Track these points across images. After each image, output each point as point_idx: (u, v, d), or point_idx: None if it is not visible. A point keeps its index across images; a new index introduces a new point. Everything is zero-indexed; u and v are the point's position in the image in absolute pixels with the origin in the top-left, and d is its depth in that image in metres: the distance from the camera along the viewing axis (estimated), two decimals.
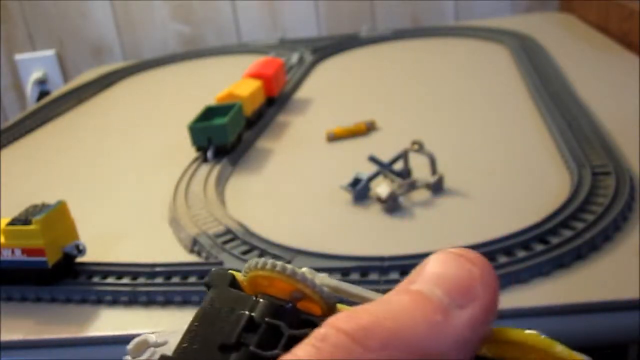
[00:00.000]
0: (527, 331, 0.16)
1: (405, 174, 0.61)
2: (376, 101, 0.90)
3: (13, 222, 0.50)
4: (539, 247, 0.47)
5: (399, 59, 1.11)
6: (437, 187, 0.59)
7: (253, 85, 0.83)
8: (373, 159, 0.61)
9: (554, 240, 0.48)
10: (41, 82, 1.43)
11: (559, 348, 0.16)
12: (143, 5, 1.37)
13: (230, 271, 0.20)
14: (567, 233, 0.48)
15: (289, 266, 0.18)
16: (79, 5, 1.38)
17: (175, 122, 0.84)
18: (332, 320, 0.16)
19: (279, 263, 0.19)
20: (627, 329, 0.42)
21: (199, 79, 1.17)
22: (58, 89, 1.32)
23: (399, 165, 0.61)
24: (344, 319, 0.16)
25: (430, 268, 0.17)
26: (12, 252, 0.50)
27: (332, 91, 0.99)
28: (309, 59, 1.13)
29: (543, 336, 0.16)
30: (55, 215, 0.51)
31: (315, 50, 1.17)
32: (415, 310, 0.16)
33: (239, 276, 0.20)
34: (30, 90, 1.42)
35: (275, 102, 0.90)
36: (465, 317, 0.16)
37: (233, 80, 0.85)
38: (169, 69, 1.26)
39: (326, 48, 1.19)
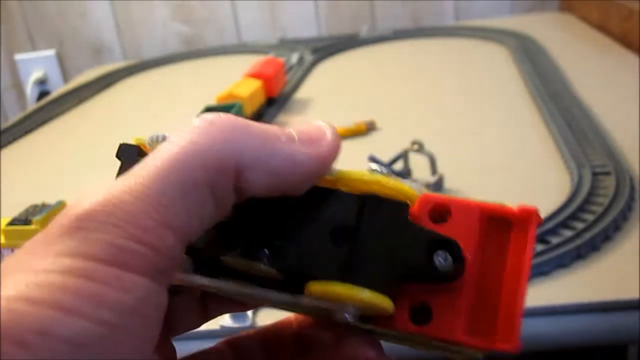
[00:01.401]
0: (361, 170, 0.22)
1: (405, 174, 0.61)
2: (376, 101, 0.90)
3: (13, 222, 0.50)
4: (539, 247, 0.47)
5: (399, 59, 1.11)
6: (437, 187, 0.59)
7: (253, 85, 0.83)
8: (373, 159, 0.61)
9: (554, 240, 0.48)
10: (41, 82, 1.43)
11: (391, 180, 0.21)
12: (143, 5, 1.37)
13: (136, 141, 0.25)
14: (567, 233, 0.48)
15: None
16: (79, 5, 1.38)
17: (176, 122, 0.84)
18: (205, 115, 0.20)
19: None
20: (627, 329, 0.42)
21: (199, 79, 1.17)
22: (58, 89, 1.32)
23: (399, 165, 0.61)
24: (212, 114, 0.20)
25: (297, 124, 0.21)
26: (12, 252, 0.50)
27: (332, 91, 0.99)
28: (309, 59, 1.13)
29: (375, 173, 0.22)
30: (55, 215, 0.51)
31: (315, 50, 1.17)
32: (269, 126, 0.20)
33: (145, 145, 0.24)
34: (30, 90, 1.42)
35: (275, 102, 0.90)
36: (304, 150, 0.20)
37: (233, 80, 0.85)
38: (169, 69, 1.26)
39: (326, 48, 1.19)
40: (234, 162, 0.18)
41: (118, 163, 0.25)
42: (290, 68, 1.09)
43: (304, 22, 1.35)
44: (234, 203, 0.19)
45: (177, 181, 0.17)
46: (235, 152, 0.18)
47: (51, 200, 0.52)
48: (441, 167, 0.60)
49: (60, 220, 0.18)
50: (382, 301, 0.19)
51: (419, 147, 0.60)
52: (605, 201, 0.51)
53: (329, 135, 0.21)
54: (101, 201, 0.18)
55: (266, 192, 0.19)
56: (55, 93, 1.23)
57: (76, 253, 0.16)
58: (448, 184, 0.60)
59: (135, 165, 0.19)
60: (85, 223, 0.17)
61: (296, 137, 0.20)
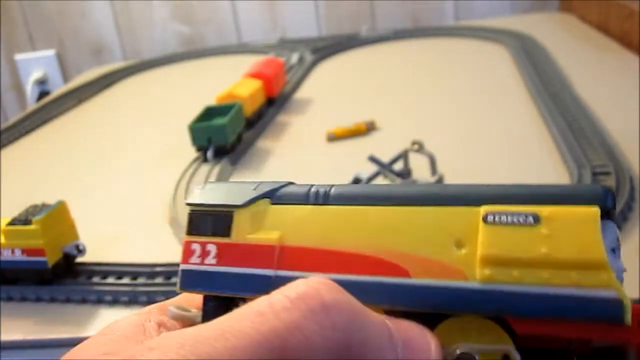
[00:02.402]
0: None
1: (405, 174, 0.61)
2: (376, 101, 0.90)
3: (13, 222, 0.50)
4: None
5: (399, 59, 1.11)
6: None
7: (253, 85, 0.83)
8: (373, 159, 0.61)
9: None
10: (41, 82, 1.43)
11: None
12: (143, 5, 1.37)
13: None
14: None
15: None
16: (79, 5, 1.38)
17: (175, 122, 0.84)
18: (315, 282, 0.18)
19: None
20: None
21: (199, 79, 1.17)
22: (58, 89, 1.32)
23: (399, 165, 0.61)
24: (326, 286, 0.18)
25: (403, 322, 0.20)
26: (12, 252, 0.50)
27: (332, 91, 0.99)
28: (309, 59, 1.13)
29: None
30: (55, 215, 0.51)
31: (315, 50, 1.17)
32: (381, 327, 0.18)
33: None
34: (30, 90, 1.42)
35: (275, 102, 0.90)
36: None
37: (233, 80, 0.85)
38: (169, 69, 1.26)
39: (326, 48, 1.19)
40: None
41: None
42: (290, 68, 1.09)
43: (304, 22, 1.35)
44: None
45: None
46: (339, 355, 0.17)
47: (51, 200, 0.52)
48: (441, 167, 0.60)
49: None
50: None
51: (419, 147, 0.60)
52: None
53: (432, 349, 0.19)
54: None
55: None
56: (55, 93, 1.23)
57: None
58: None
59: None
60: None
61: (400, 346, 0.19)
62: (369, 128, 0.77)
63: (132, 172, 0.76)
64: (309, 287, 0.18)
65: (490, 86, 0.89)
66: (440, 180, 0.59)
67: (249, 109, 0.80)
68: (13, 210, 0.53)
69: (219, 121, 0.73)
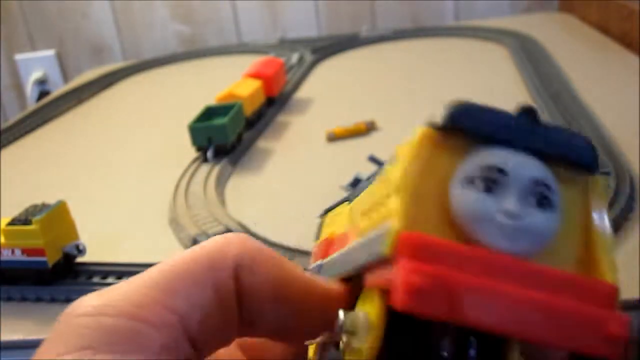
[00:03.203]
0: None
1: None
2: (376, 101, 0.90)
3: (13, 222, 0.50)
4: None
5: (399, 59, 1.11)
6: None
7: (253, 85, 0.83)
8: (373, 159, 0.61)
9: None
10: (41, 82, 1.43)
11: None
12: (143, 5, 1.37)
13: None
14: None
15: None
16: (79, 5, 1.38)
17: (175, 122, 0.84)
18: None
19: None
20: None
21: (199, 79, 1.17)
22: (58, 89, 1.32)
23: None
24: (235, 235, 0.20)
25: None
26: (12, 252, 0.50)
27: (332, 91, 0.99)
28: (309, 59, 1.13)
29: None
30: (55, 215, 0.51)
31: (315, 50, 1.17)
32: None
33: None
34: (30, 90, 1.42)
35: (275, 102, 0.90)
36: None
37: (233, 80, 0.85)
38: (169, 69, 1.26)
39: (326, 48, 1.19)
40: (232, 261, 0.19)
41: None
42: (290, 68, 1.09)
43: (304, 22, 1.35)
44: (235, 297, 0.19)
45: (182, 274, 0.18)
46: (235, 252, 0.19)
47: (51, 200, 0.52)
48: None
49: (63, 318, 0.17)
50: None
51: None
52: None
53: None
54: (102, 292, 0.18)
55: (269, 290, 0.19)
56: (55, 93, 1.23)
57: (74, 348, 0.16)
58: None
59: None
60: (82, 315, 0.17)
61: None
62: (369, 128, 0.77)
63: (132, 172, 0.76)
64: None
65: (490, 86, 0.89)
66: None
67: (249, 109, 0.80)
68: (13, 210, 0.53)
69: (219, 121, 0.73)
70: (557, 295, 0.14)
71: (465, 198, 0.15)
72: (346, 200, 0.23)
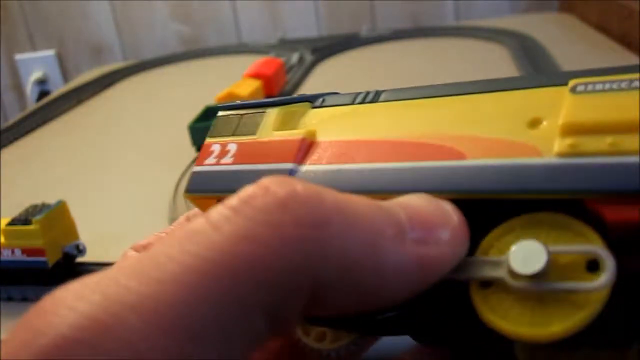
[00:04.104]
0: None
1: None
2: None
3: (13, 222, 0.50)
4: None
5: (399, 59, 1.11)
6: None
7: (253, 85, 0.83)
8: None
9: None
10: (41, 82, 1.43)
11: None
12: (143, 5, 1.37)
13: None
14: None
15: None
16: (79, 5, 1.38)
17: (175, 122, 0.84)
18: (265, 180, 0.14)
19: None
20: None
21: (199, 79, 1.17)
22: (58, 89, 1.32)
23: None
24: (277, 181, 0.14)
25: (404, 197, 0.15)
26: (12, 252, 0.50)
27: (332, 91, 0.99)
28: (309, 59, 1.13)
29: None
30: (55, 215, 0.51)
31: (315, 50, 1.17)
32: (369, 210, 0.14)
33: None
34: (30, 90, 1.42)
35: None
36: (418, 252, 0.14)
37: (233, 80, 0.85)
38: (169, 69, 1.26)
39: (326, 48, 1.19)
40: (312, 280, 0.12)
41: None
42: (290, 68, 1.09)
43: (304, 22, 1.35)
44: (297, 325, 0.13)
45: (212, 299, 0.12)
46: (317, 265, 0.12)
47: (51, 200, 0.52)
48: None
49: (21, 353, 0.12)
50: None
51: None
52: None
53: (454, 220, 0.15)
54: (85, 325, 0.12)
55: (348, 310, 0.13)
56: (55, 93, 1.23)
57: None
58: None
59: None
60: None
61: (407, 228, 0.14)
62: None
63: (132, 172, 0.76)
64: (256, 187, 0.13)
65: None
66: None
67: None
68: (13, 210, 0.53)
69: None
70: None
71: None
72: (304, 101, 0.20)
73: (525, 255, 0.14)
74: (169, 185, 0.67)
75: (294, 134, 0.19)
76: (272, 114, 0.20)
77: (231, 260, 0.12)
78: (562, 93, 0.15)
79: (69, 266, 0.52)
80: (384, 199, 0.15)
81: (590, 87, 0.15)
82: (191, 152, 0.73)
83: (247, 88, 0.82)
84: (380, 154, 0.17)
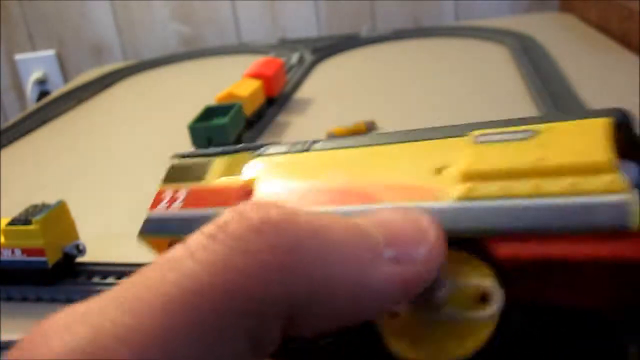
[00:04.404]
0: None
1: None
2: (376, 101, 0.90)
3: (13, 222, 0.50)
4: None
5: (399, 59, 1.11)
6: None
7: (253, 85, 0.83)
8: None
9: None
10: (41, 82, 1.43)
11: None
12: (143, 5, 1.37)
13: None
14: None
15: None
16: (79, 6, 1.38)
17: (175, 122, 0.84)
18: (240, 206, 0.14)
19: None
20: None
21: (199, 79, 1.17)
22: (58, 89, 1.32)
23: None
24: (252, 206, 0.14)
25: (381, 213, 0.15)
26: (12, 252, 0.50)
27: (332, 91, 0.99)
28: (309, 59, 1.13)
29: None
30: (55, 215, 0.51)
31: (315, 50, 1.17)
32: (346, 233, 0.14)
33: None
34: (30, 90, 1.42)
35: (275, 102, 0.90)
36: (393, 271, 0.14)
37: (233, 80, 0.85)
38: (169, 69, 1.26)
39: (326, 48, 1.19)
40: (289, 304, 0.13)
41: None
42: (290, 68, 1.09)
43: (304, 22, 1.35)
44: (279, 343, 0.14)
45: (195, 329, 0.12)
46: (294, 290, 0.13)
47: (51, 200, 0.52)
48: None
49: None
50: None
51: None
52: None
53: (431, 236, 0.15)
54: (76, 358, 0.12)
55: (324, 330, 0.14)
56: (55, 93, 1.23)
57: None
58: None
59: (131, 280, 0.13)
60: None
61: (383, 248, 0.14)
62: (369, 128, 0.77)
63: (132, 172, 0.76)
64: (232, 212, 0.14)
65: (490, 86, 0.89)
66: None
67: (249, 109, 0.80)
68: (13, 210, 0.53)
69: (219, 121, 0.73)
70: None
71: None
72: (248, 150, 0.22)
73: (427, 287, 0.15)
74: None
75: (236, 182, 0.21)
76: (219, 162, 0.22)
77: (211, 291, 0.12)
78: (465, 143, 0.18)
79: (69, 266, 0.52)
80: None
81: (489, 138, 0.17)
82: None
83: (247, 88, 0.82)
84: (310, 201, 0.19)
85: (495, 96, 0.84)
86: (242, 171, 0.21)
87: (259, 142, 0.23)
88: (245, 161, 0.22)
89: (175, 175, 0.23)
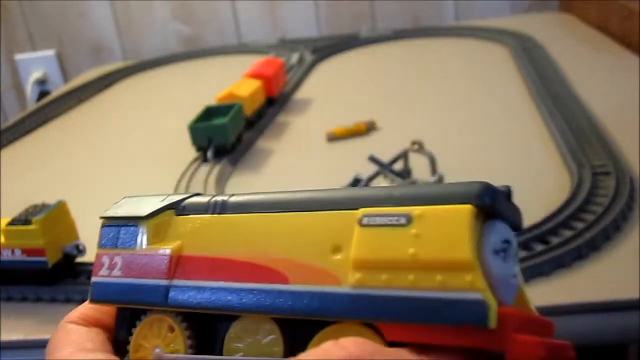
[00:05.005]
0: None
1: (405, 174, 0.61)
2: (376, 101, 0.90)
3: (13, 222, 0.50)
4: (539, 247, 0.47)
5: (399, 59, 1.11)
6: None
7: (253, 85, 0.83)
8: (373, 159, 0.61)
9: (554, 240, 0.47)
10: (41, 82, 1.43)
11: None
12: (143, 5, 1.37)
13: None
14: (567, 233, 0.48)
15: None
16: (79, 5, 1.38)
17: (175, 122, 0.84)
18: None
19: None
20: (627, 329, 0.42)
21: (199, 79, 1.17)
22: (58, 89, 1.32)
23: (399, 165, 0.61)
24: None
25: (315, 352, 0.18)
26: (12, 252, 0.50)
27: (332, 91, 0.99)
28: (309, 59, 1.13)
29: None
30: (55, 215, 0.51)
31: (315, 50, 1.17)
32: None
33: None
34: (30, 90, 1.42)
35: (275, 102, 0.90)
36: None
37: (233, 80, 0.85)
38: (169, 69, 1.26)
39: (326, 48, 1.19)
40: None
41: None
42: (290, 68, 1.09)
43: (304, 22, 1.35)
44: None
45: None
46: None
47: (51, 200, 0.52)
48: (441, 167, 0.60)
49: None
50: None
51: (419, 147, 0.60)
52: (605, 201, 0.51)
53: None
54: None
55: None
56: (55, 93, 1.23)
57: None
58: None
59: None
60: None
61: None
62: (369, 128, 0.77)
63: (132, 172, 0.76)
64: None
65: (490, 86, 0.89)
66: (440, 180, 0.59)
67: (249, 109, 0.80)
68: (13, 210, 0.53)
69: (219, 121, 0.73)
70: None
71: (497, 267, 0.19)
72: (169, 209, 0.24)
73: None
74: (169, 184, 0.67)
75: (163, 251, 0.23)
76: (145, 226, 0.24)
77: None
78: (353, 221, 0.20)
79: (69, 266, 0.52)
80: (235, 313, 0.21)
81: (372, 221, 0.19)
82: (191, 152, 0.73)
83: (247, 88, 0.82)
84: (226, 274, 0.21)
85: (496, 96, 0.84)
86: (167, 235, 0.24)
87: (180, 195, 0.25)
88: (168, 222, 0.24)
89: (108, 239, 0.25)
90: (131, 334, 0.23)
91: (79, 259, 0.53)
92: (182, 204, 0.24)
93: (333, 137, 0.76)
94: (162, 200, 0.24)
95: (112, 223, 0.25)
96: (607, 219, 0.49)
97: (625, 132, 0.65)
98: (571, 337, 0.19)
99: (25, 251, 0.50)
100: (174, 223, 0.24)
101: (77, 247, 0.52)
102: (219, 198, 0.23)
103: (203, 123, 0.73)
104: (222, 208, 0.23)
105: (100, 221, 0.25)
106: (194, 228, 0.23)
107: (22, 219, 0.50)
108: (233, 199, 0.23)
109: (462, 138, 0.72)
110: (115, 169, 0.77)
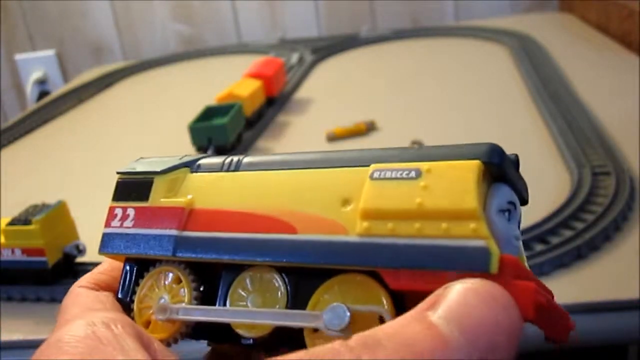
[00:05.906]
0: None
1: None
2: (376, 101, 0.90)
3: (13, 222, 0.50)
4: (539, 247, 0.47)
5: (399, 59, 1.11)
6: None
7: (253, 85, 0.83)
8: None
9: (554, 240, 0.48)
10: (41, 82, 1.43)
11: None
12: (143, 5, 1.37)
13: None
14: (567, 233, 0.48)
15: None
16: (79, 5, 1.38)
17: (175, 122, 0.84)
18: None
19: None
20: (627, 329, 0.42)
21: (199, 79, 1.17)
22: (58, 89, 1.32)
23: None
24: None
25: (457, 300, 0.17)
26: (12, 252, 0.50)
27: (332, 91, 0.99)
28: (309, 59, 1.13)
29: None
30: (55, 215, 0.51)
31: (315, 50, 1.17)
32: (427, 345, 0.15)
33: None
34: (30, 90, 1.42)
35: (275, 102, 0.90)
36: None
37: (233, 80, 0.85)
38: (169, 69, 1.26)
39: (326, 48, 1.19)
40: None
41: (118, 163, 0.26)
42: (290, 68, 1.09)
43: (304, 22, 1.35)
44: None
45: None
46: None
47: (51, 200, 0.52)
48: None
49: None
50: None
51: (419, 147, 0.60)
52: (605, 201, 0.51)
53: (509, 321, 0.17)
54: None
55: None
56: (55, 93, 1.23)
57: None
58: None
59: None
60: None
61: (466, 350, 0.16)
62: (369, 128, 0.77)
63: None
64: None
65: (490, 86, 0.89)
66: None
67: (249, 109, 0.80)
68: (13, 210, 0.53)
69: (219, 121, 0.73)
70: None
71: (501, 224, 0.19)
72: (184, 167, 0.25)
73: (334, 315, 0.19)
74: None
75: (176, 203, 0.24)
76: (159, 181, 0.25)
77: None
78: (364, 176, 0.20)
79: (69, 266, 0.52)
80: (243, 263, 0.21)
81: (382, 175, 0.20)
82: (191, 152, 0.73)
83: (247, 88, 0.82)
84: (237, 225, 0.22)
85: (495, 96, 0.84)
86: (180, 190, 0.24)
87: (196, 156, 0.25)
88: (182, 179, 0.24)
89: (122, 193, 0.26)
90: (135, 292, 0.23)
91: (79, 259, 0.53)
92: (197, 162, 0.25)
93: (333, 137, 0.76)
94: (180, 160, 0.25)
95: (128, 178, 0.26)
96: (607, 219, 0.49)
97: (625, 132, 0.65)
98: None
99: (25, 251, 0.50)
100: (188, 179, 0.24)
101: (77, 247, 0.52)
102: (234, 157, 0.24)
103: (203, 123, 0.73)
104: (236, 166, 0.24)
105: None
106: (207, 184, 0.24)
107: (22, 219, 0.50)
108: (247, 158, 0.24)
109: (462, 138, 0.72)
110: (115, 169, 0.77)
